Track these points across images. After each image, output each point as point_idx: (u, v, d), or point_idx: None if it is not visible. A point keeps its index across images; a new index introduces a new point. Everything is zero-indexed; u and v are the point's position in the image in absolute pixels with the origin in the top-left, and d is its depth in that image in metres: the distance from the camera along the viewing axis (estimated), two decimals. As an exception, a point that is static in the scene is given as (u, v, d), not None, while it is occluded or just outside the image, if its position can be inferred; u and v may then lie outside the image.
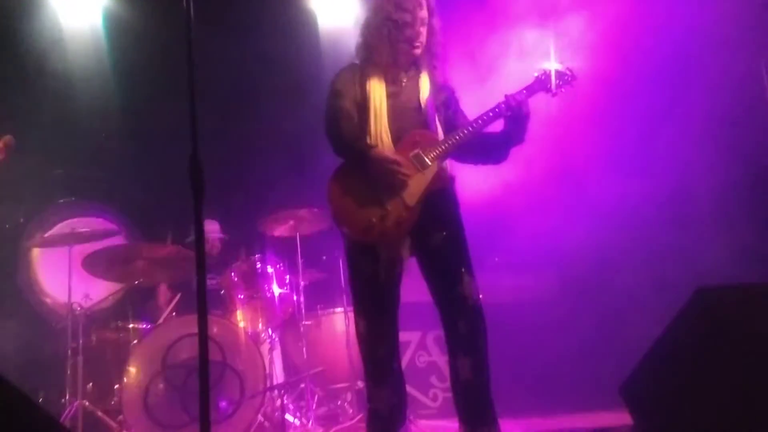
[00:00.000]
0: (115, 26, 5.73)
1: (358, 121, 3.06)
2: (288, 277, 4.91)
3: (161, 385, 4.11)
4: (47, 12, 5.53)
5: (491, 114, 3.00)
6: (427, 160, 2.96)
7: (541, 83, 3.09)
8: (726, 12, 4.53)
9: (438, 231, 3.01)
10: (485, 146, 3.12)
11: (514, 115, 2.99)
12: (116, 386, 4.32)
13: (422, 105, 3.08)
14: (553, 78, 3.07)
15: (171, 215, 5.07)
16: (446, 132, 3.08)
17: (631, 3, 4.87)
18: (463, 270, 3.00)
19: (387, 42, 3.06)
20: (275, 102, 5.81)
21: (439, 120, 3.10)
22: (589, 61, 4.75)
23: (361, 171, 2.95)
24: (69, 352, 4.23)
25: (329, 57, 6.05)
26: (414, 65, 3.16)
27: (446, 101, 3.17)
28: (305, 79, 5.89)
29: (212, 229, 5.34)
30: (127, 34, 5.70)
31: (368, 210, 2.93)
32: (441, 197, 3.02)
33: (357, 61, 3.20)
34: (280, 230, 4.97)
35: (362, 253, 3.03)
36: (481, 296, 3.05)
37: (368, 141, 3.02)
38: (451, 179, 3.06)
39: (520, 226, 5.20)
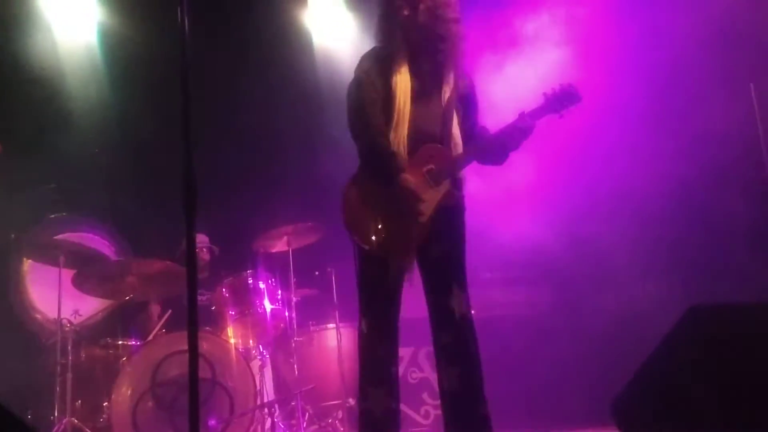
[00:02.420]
0: (110, 41, 5.74)
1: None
2: (280, 292, 4.89)
3: (150, 403, 4.08)
4: (42, 26, 5.54)
5: (502, 135, 3.02)
6: (440, 176, 2.97)
7: (549, 104, 3.07)
8: (715, 33, 4.59)
9: (438, 245, 3.03)
10: (487, 155, 3.13)
11: (522, 135, 3.02)
12: (105, 404, 4.28)
13: (443, 107, 3.03)
14: (560, 98, 3.07)
15: (163, 230, 5.06)
16: (463, 134, 3.06)
17: (621, 22, 4.94)
18: (453, 284, 3.02)
19: (390, 34, 3.02)
20: (270, 117, 5.82)
21: (458, 122, 3.07)
22: (577, 79, 4.83)
23: (378, 183, 2.94)
24: (58, 368, 4.18)
25: (324, 74, 6.10)
26: (439, 55, 3.04)
27: (466, 99, 3.13)
28: (300, 94, 5.92)
29: (200, 239, 5.33)
30: (122, 49, 5.71)
31: (380, 222, 2.95)
32: (449, 212, 3.05)
33: (382, 48, 3.08)
34: (273, 245, 4.96)
35: (371, 259, 3.02)
36: (473, 312, 3.06)
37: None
38: (461, 196, 3.07)
39: (511, 241, 5.21)
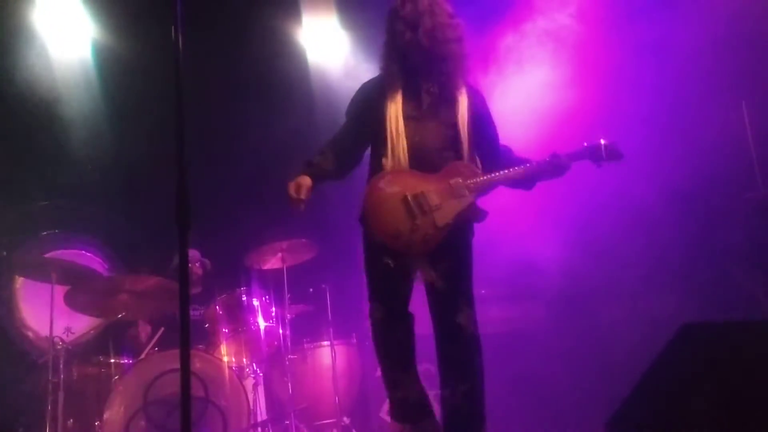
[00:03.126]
0: (104, 58, 5.75)
1: (357, 142, 3.21)
2: (274, 309, 4.87)
3: (142, 422, 4.04)
4: (37, 43, 5.55)
5: (535, 167, 3.15)
6: (466, 189, 3.05)
7: (590, 153, 3.24)
8: (707, 52, 4.63)
9: (447, 259, 3.06)
10: (518, 181, 3.23)
11: (554, 173, 3.18)
12: (97, 423, 4.23)
13: (453, 125, 3.11)
14: (603, 151, 3.25)
15: (155, 246, 5.03)
16: (479, 153, 3.17)
17: (614, 41, 4.98)
18: (463, 301, 3.06)
19: (388, 57, 3.14)
20: (264, 133, 5.82)
21: (470, 142, 3.13)
22: (570, 96, 4.86)
23: (397, 179, 3.02)
24: (50, 387, 4.14)
25: (318, 90, 6.12)
26: (430, 77, 3.13)
27: (480, 117, 3.20)
28: (294, 111, 5.93)
29: (192, 254, 5.30)
30: (116, 65, 5.72)
31: (399, 219, 2.99)
32: (464, 228, 3.12)
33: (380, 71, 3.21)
34: (267, 263, 4.94)
35: (382, 249, 3.04)
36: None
37: (384, 160, 3.07)
38: (483, 214, 3.12)
39: (506, 258, 5.20)
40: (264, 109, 5.86)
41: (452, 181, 3.04)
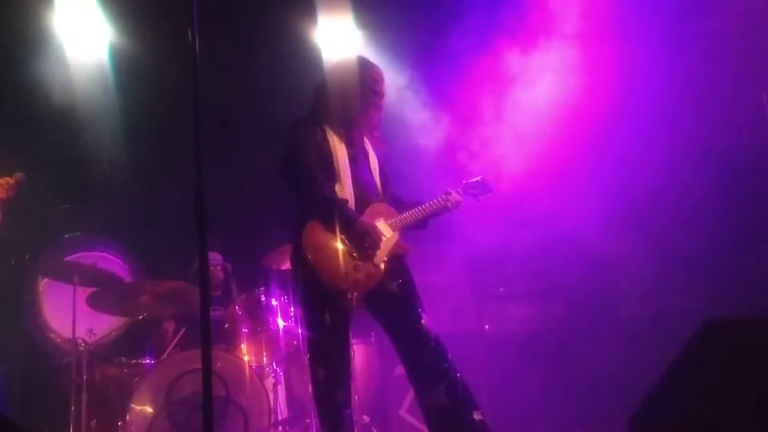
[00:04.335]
0: (122, 61, 5.79)
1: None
2: (292, 309, 4.88)
3: (165, 422, 4.06)
4: (54, 47, 5.61)
5: (437, 203, 3.49)
6: (389, 229, 3.33)
7: (477, 188, 3.64)
8: (727, 44, 4.57)
9: (394, 280, 3.29)
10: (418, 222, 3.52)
11: (453, 208, 3.51)
12: (120, 423, 4.27)
13: (374, 176, 3.46)
14: (481, 186, 3.65)
15: (176, 248, 5.06)
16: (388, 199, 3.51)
17: (634, 35, 4.93)
18: (419, 308, 3.27)
19: (360, 107, 3.38)
20: (281, 133, 5.83)
21: (384, 192, 3.49)
22: (587, 90, 4.83)
23: (334, 227, 3.20)
24: (73, 388, 4.20)
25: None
26: (359, 133, 3.46)
27: (385, 171, 3.56)
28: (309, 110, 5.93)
29: (214, 258, 5.34)
30: (134, 69, 5.75)
31: (342, 260, 3.19)
32: (400, 259, 3.36)
33: (310, 118, 3.46)
34: (285, 263, 4.95)
35: (321, 303, 3.21)
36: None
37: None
38: (408, 249, 3.39)
39: (524, 255, 5.19)
40: (280, 109, 5.87)
41: (377, 222, 3.29)
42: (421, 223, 3.53)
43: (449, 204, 3.49)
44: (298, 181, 3.32)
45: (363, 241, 3.19)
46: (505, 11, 4.97)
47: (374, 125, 3.50)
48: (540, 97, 4.80)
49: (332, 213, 3.21)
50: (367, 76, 3.43)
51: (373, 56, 5.97)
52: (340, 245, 3.19)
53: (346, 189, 3.28)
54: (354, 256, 3.19)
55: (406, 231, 3.47)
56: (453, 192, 3.54)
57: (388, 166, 3.62)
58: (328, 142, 3.35)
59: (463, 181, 3.66)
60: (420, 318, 3.23)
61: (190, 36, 2.28)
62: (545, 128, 4.54)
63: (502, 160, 4.40)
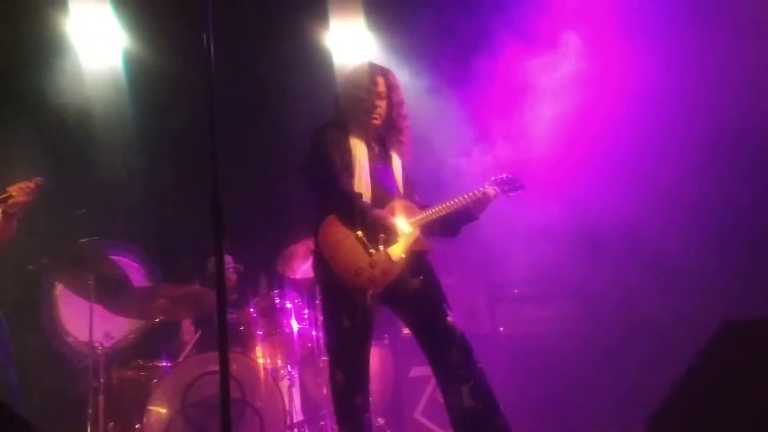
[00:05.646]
0: (135, 67, 5.84)
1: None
2: (307, 311, 4.89)
3: (181, 424, 4.09)
4: (68, 53, 5.66)
5: (465, 198, 3.38)
6: (409, 225, 3.27)
7: (507, 184, 3.54)
8: (737, 33, 4.53)
9: (415, 277, 3.27)
10: (447, 222, 3.43)
11: (483, 204, 3.40)
12: (137, 426, 4.30)
13: (396, 179, 3.42)
14: (512, 183, 3.56)
15: (191, 252, 5.09)
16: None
17: (640, 25, 4.90)
18: (444, 305, 3.24)
19: (351, 114, 3.39)
20: (295, 137, 5.85)
21: (407, 195, 3.43)
22: (604, 90, 4.81)
23: (351, 223, 3.17)
24: (91, 391, 4.23)
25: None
26: (380, 138, 3.46)
27: (410, 179, 3.53)
28: (322, 116, 5.95)
29: (225, 260, 5.35)
30: (147, 74, 5.80)
31: (358, 258, 3.16)
32: (420, 256, 3.31)
33: (333, 123, 3.45)
34: (300, 267, 4.98)
35: (340, 305, 3.19)
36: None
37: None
38: (429, 246, 3.33)
39: (539, 257, 5.16)
40: (291, 114, 5.89)
41: (396, 218, 3.26)
42: (451, 226, 3.47)
43: (483, 198, 3.38)
44: (318, 177, 3.32)
45: (377, 232, 3.16)
46: (518, 11, 4.97)
47: (398, 129, 3.44)
48: (556, 97, 4.79)
49: (349, 208, 3.18)
50: (364, 79, 3.43)
51: (384, 60, 6.02)
52: (356, 242, 3.16)
53: (363, 186, 3.26)
54: (370, 253, 3.15)
55: (434, 235, 3.40)
56: (486, 185, 3.45)
57: (415, 174, 3.57)
58: (349, 144, 3.35)
59: (492, 177, 3.56)
60: (446, 314, 3.20)
61: (204, 41, 2.29)
62: (560, 131, 4.52)
63: (518, 162, 4.38)
